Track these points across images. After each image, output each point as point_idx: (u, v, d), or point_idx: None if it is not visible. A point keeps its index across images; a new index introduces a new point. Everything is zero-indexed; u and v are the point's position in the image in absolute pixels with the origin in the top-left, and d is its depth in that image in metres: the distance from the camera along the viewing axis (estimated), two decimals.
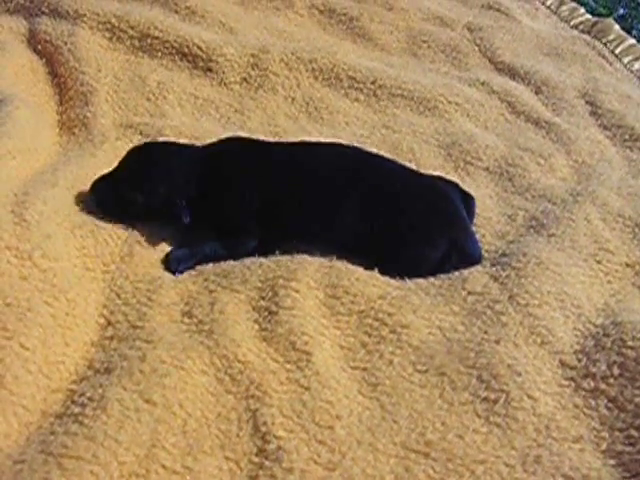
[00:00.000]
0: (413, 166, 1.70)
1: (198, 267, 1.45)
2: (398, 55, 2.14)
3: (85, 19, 1.93)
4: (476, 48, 2.17)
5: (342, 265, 1.42)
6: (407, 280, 1.42)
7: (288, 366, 1.25)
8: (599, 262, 1.50)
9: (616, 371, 1.26)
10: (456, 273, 1.44)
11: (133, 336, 1.27)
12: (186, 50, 1.91)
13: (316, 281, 1.38)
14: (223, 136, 1.59)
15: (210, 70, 1.94)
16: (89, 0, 1.98)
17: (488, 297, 1.39)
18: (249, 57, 1.94)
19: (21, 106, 1.62)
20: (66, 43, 1.86)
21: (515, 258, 1.46)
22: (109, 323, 1.31)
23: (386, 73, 1.93)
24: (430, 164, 1.71)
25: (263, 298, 1.35)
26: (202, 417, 1.17)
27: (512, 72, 2.10)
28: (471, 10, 2.38)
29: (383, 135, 1.78)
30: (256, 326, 1.31)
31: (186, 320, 1.32)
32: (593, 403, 1.24)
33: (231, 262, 1.44)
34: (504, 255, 1.49)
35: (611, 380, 1.25)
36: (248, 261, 1.43)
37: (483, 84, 2.00)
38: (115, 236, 1.45)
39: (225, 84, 1.92)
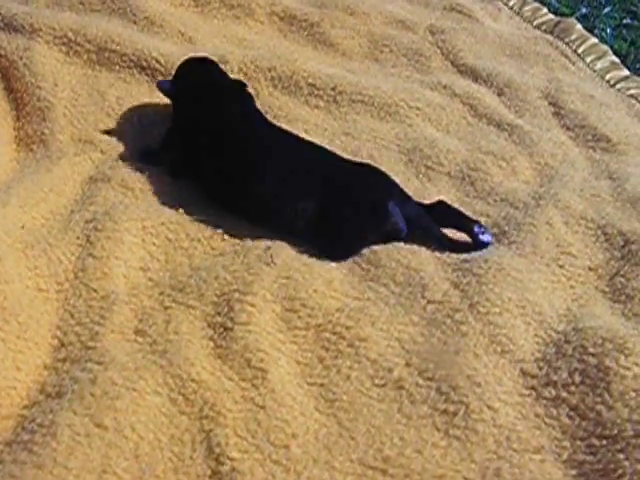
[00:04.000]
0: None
1: (154, 278, 1.42)
2: (360, 60, 2.11)
3: (41, 33, 1.88)
4: (438, 51, 2.14)
5: (300, 275, 1.39)
6: (367, 289, 1.41)
7: (243, 384, 1.23)
8: (561, 267, 1.48)
9: (577, 378, 1.24)
10: (417, 278, 1.42)
11: (85, 357, 1.24)
12: (144, 63, 1.87)
13: (272, 294, 1.36)
14: None
15: None
16: (45, 14, 1.94)
17: (448, 305, 1.37)
18: None
19: None
20: (21, 58, 1.81)
21: (476, 264, 1.44)
22: (62, 345, 1.29)
23: (346, 79, 1.90)
24: (390, 170, 1.68)
25: (219, 314, 1.33)
26: (155, 440, 1.14)
27: (474, 74, 2.07)
28: (433, 12, 2.35)
29: (343, 142, 1.76)
30: (211, 343, 1.29)
31: (139, 339, 1.29)
32: (554, 412, 1.22)
33: (187, 272, 1.42)
34: (465, 261, 1.46)
35: (572, 388, 1.23)
36: (204, 273, 1.40)
37: (445, 87, 1.97)
38: (68, 252, 1.41)
39: None
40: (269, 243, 1.48)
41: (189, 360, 1.24)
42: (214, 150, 1.60)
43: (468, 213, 1.60)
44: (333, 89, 1.88)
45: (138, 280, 1.41)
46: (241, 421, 1.17)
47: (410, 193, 1.63)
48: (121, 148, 1.70)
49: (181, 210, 1.55)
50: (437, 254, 1.50)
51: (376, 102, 1.88)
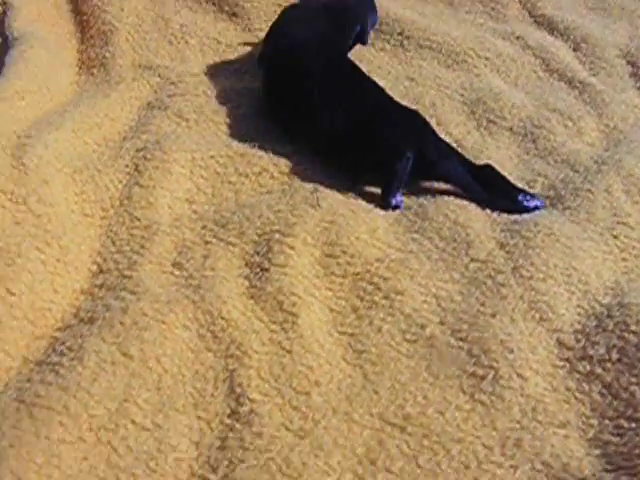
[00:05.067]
0: (433, 122, 1.64)
1: (199, 211, 1.43)
2: (433, 4, 2.03)
3: None
4: None
5: (344, 221, 1.37)
6: (410, 241, 1.38)
7: (272, 327, 1.23)
8: (616, 237, 1.42)
9: (615, 356, 1.19)
10: (463, 235, 1.38)
11: (120, 286, 1.26)
12: None
13: (314, 237, 1.35)
14: None
15: (235, 15, 1.89)
16: None
17: (491, 266, 1.33)
18: (276, 4, 1.89)
19: (36, 45, 1.60)
20: None
21: (525, 226, 1.39)
22: (101, 271, 1.31)
23: (415, 24, 1.85)
24: (451, 120, 1.64)
25: (257, 253, 1.33)
26: (179, 374, 1.16)
27: (551, 26, 1.97)
28: None
29: (406, 87, 1.71)
30: (246, 282, 1.29)
31: (176, 272, 1.30)
32: (586, 388, 1.18)
33: (232, 208, 1.42)
34: (515, 222, 1.42)
35: (608, 365, 1.19)
36: (248, 210, 1.40)
37: (518, 38, 1.89)
38: (116, 180, 1.43)
39: (250, 30, 1.87)
40: (317, 186, 1.47)
41: (221, 298, 1.25)
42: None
43: (527, 172, 1.55)
44: (400, 33, 1.83)
45: (182, 212, 1.42)
46: (266, 363, 1.17)
47: (469, 146, 1.59)
48: (181, 75, 1.69)
49: (233, 144, 1.54)
50: (487, 212, 1.46)
51: (444, 49, 1.82)
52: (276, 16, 1.82)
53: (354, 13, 1.84)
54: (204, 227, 1.39)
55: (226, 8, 1.86)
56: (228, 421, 1.11)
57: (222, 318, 1.22)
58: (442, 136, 1.59)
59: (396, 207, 1.46)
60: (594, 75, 1.83)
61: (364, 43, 1.86)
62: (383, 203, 1.46)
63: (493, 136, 1.63)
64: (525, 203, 1.47)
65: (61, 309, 1.25)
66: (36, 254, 1.26)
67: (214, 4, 1.86)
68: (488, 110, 1.68)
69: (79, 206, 1.38)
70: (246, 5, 1.89)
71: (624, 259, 1.39)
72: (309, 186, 1.46)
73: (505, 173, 1.54)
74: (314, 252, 1.33)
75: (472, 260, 1.34)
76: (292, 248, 1.32)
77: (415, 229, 1.41)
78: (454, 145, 1.58)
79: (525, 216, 1.44)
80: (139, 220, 1.38)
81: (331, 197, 1.43)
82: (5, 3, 1.77)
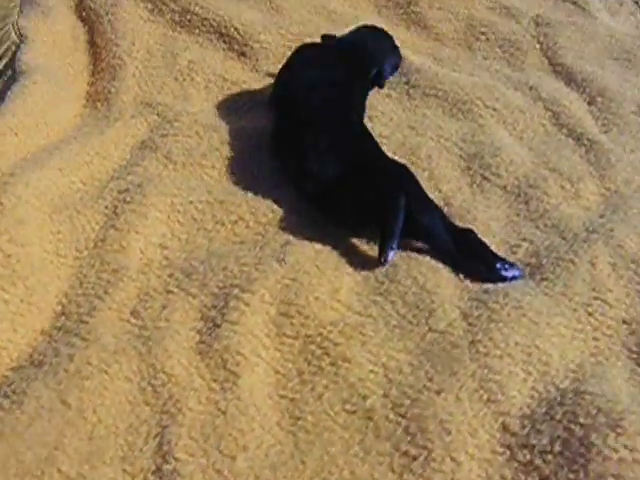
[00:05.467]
0: (425, 175, 1.61)
1: (170, 257, 1.44)
2: (451, 47, 1.99)
3: None
4: (537, 45, 1.97)
5: (307, 279, 1.36)
6: (372, 305, 1.36)
7: (213, 385, 1.23)
8: (590, 314, 1.35)
9: (557, 448, 1.14)
10: (427, 301, 1.35)
11: (75, 331, 1.30)
12: (223, 30, 1.89)
13: (272, 295, 1.34)
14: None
15: (244, 55, 1.90)
16: None
17: (449, 338, 1.30)
18: (285, 47, 1.89)
19: (40, 79, 1.66)
20: (107, 13, 1.88)
21: (494, 297, 1.35)
22: (63, 313, 1.35)
23: (424, 71, 1.81)
24: (444, 175, 1.60)
25: (214, 307, 1.33)
26: (112, 425, 1.18)
27: (569, 77, 1.89)
28: (544, 1, 2.15)
29: (405, 136, 1.68)
30: (197, 337, 1.30)
31: (132, 320, 1.32)
32: (522, 479, 1.14)
33: (202, 257, 1.43)
34: (485, 292, 1.38)
35: (549, 457, 1.13)
36: (215, 260, 1.41)
37: (531, 89, 1.82)
38: (94, 221, 1.47)
39: (257, 70, 1.88)
40: (291, 238, 1.47)
41: (168, 351, 1.26)
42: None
43: (513, 235, 1.50)
44: (407, 82, 1.81)
45: (154, 257, 1.44)
46: (198, 422, 1.18)
47: (457, 204, 1.56)
48: (178, 114, 1.72)
49: (215, 189, 1.55)
50: (460, 277, 1.42)
51: (450, 97, 1.78)
52: (285, 58, 1.82)
53: (371, 55, 1.82)
54: (171, 275, 1.41)
55: (236, 47, 1.88)
56: (151, 478, 1.13)
57: (164, 372, 1.24)
58: (431, 192, 1.57)
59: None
60: (606, 132, 1.75)
61: (381, 87, 1.84)
62: (380, 258, 1.42)
63: (485, 194, 1.59)
64: (503, 272, 1.42)
65: (18, 349, 1.29)
66: (0, 294, 1.31)
67: (225, 42, 1.88)
68: (484, 166, 1.63)
69: (54, 246, 1.42)
70: (255, 45, 1.89)
71: (595, 339, 1.33)
72: (282, 238, 1.46)
73: (489, 236, 1.50)
74: (269, 310, 1.33)
75: (430, 330, 1.31)
76: (247, 305, 1.32)
77: (380, 291, 1.38)
78: (441, 203, 1.55)
79: (498, 285, 1.39)
80: (109, 264, 1.41)
81: (300, 252, 1.42)
82: (21, 35, 1.84)
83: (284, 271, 1.38)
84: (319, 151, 1.54)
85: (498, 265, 1.43)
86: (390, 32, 1.97)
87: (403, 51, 1.88)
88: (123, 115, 1.70)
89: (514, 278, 1.42)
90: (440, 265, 1.43)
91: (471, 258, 1.45)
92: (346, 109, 1.66)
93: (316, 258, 1.43)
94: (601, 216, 1.54)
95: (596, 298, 1.37)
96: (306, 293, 1.35)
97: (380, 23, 1.99)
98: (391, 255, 1.42)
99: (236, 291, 1.34)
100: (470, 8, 2.08)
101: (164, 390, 1.22)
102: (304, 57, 1.79)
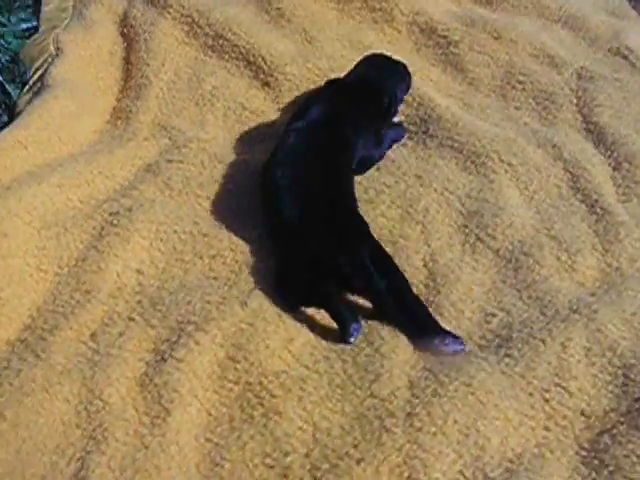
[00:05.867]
0: (418, 230, 1.57)
1: (144, 283, 1.47)
2: (485, 93, 1.90)
3: (171, 10, 1.97)
4: (574, 100, 1.85)
5: (263, 325, 1.37)
6: (322, 360, 1.34)
7: (144, 418, 1.26)
8: (546, 401, 1.27)
9: None
10: (377, 364, 1.32)
11: (32, 346, 1.36)
12: (252, 59, 1.90)
13: (225, 337, 1.35)
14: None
15: (267, 85, 1.90)
16: None
17: (387, 406, 1.26)
18: (310, 81, 1.88)
19: (61, 95, 1.73)
20: (145, 31, 1.93)
21: (446, 370, 1.30)
22: (29, 327, 1.40)
23: (444, 122, 1.76)
24: (437, 231, 1.55)
25: (167, 341, 1.36)
26: (41, 443, 1.23)
27: (600, 137, 1.77)
28: (593, 52, 2.01)
29: (408, 186, 1.63)
30: (143, 369, 1.33)
31: (89, 343, 1.37)
32: None
33: (172, 288, 1.46)
34: (440, 363, 1.33)
35: None
36: (182, 294, 1.43)
37: (554, 146, 1.72)
38: (79, 240, 1.52)
39: (278, 102, 1.87)
40: (261, 280, 1.47)
41: (110, 379, 1.30)
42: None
43: (490, 303, 1.44)
44: (425, 132, 1.76)
45: (128, 282, 1.48)
46: (120, 454, 1.21)
47: (442, 262, 1.51)
48: (189, 140, 1.75)
49: (203, 221, 1.57)
50: None
51: (466, 149, 1.71)
52: (307, 91, 1.82)
53: (384, 88, 1.80)
54: (138, 302, 1.44)
55: (261, 76, 1.88)
56: None
57: (101, 399, 1.28)
58: (419, 247, 1.53)
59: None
60: (624, 202, 1.63)
61: (394, 115, 1.82)
62: (344, 337, 1.38)
63: (474, 256, 1.52)
64: (441, 347, 1.36)
65: None
66: None
67: (251, 70, 1.88)
68: (481, 225, 1.56)
69: (37, 260, 1.48)
70: (280, 77, 1.89)
71: (546, 428, 1.25)
72: (252, 280, 1.47)
73: (468, 300, 1.45)
74: (218, 352, 1.34)
75: (371, 395, 1.28)
76: (197, 344, 1.34)
77: (335, 348, 1.36)
78: (427, 259, 1.52)
79: (456, 357, 1.34)
80: (83, 284, 1.46)
81: (266, 297, 1.42)
82: (59, 48, 1.91)
83: (244, 314, 1.39)
84: (292, 190, 1.52)
85: (437, 339, 1.38)
86: (425, 72, 1.94)
87: (433, 93, 1.84)
88: (137, 136, 1.75)
89: (455, 352, 1.37)
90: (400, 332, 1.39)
91: (416, 326, 1.40)
92: (328, 149, 1.62)
93: (279, 307, 1.42)
94: (592, 294, 1.45)
95: (557, 384, 1.30)
96: (258, 340, 1.35)
97: (416, 62, 1.96)
98: (355, 333, 1.38)
99: (191, 328, 1.36)
100: (512, 54, 1.99)
101: (97, 416, 1.26)
102: (321, 92, 1.77)
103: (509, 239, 1.55)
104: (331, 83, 1.77)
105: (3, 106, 1.83)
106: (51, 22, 2.07)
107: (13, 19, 2.08)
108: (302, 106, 1.71)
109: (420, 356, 1.36)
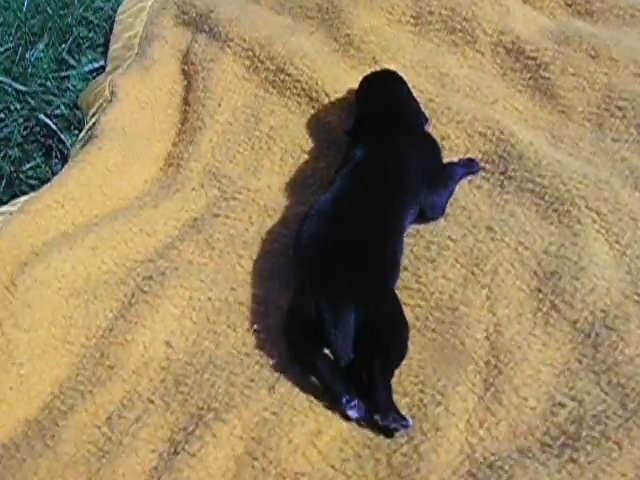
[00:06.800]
0: (483, 294, 1.34)
1: (172, 358, 1.34)
2: (578, 122, 1.61)
3: (231, 44, 1.82)
4: None
5: (289, 416, 1.21)
6: (353, 459, 1.16)
7: None
8: None
9: None
10: (413, 468, 1.13)
11: (43, 432, 1.26)
12: (314, 94, 1.72)
13: (246, 428, 1.20)
14: None
15: (329, 123, 1.71)
16: (243, 23, 1.87)
17: None
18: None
19: (106, 146, 1.62)
20: (204, 68, 1.79)
21: (494, 477, 1.08)
22: (47, 406, 1.31)
23: (525, 161, 1.52)
24: (505, 296, 1.32)
25: (184, 429, 1.23)
26: None
27: None
28: None
29: (477, 240, 1.40)
30: (155, 461, 1.20)
31: (103, 429, 1.26)
32: None
33: (201, 364, 1.32)
34: (490, 467, 1.11)
35: None
36: (208, 374, 1.29)
37: None
38: (108, 309, 1.42)
39: (337, 144, 1.64)
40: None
41: (116, 473, 1.18)
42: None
43: (561, 390, 1.19)
44: (503, 173, 1.52)
45: (155, 355, 1.36)
46: None
47: (508, 335, 1.29)
48: (238, 191, 1.61)
49: (241, 287, 1.42)
50: (470, 441, 1.16)
51: (548, 194, 1.45)
52: None
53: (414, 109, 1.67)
54: (162, 381, 1.32)
55: (322, 113, 1.69)
56: None
57: None
58: (483, 316, 1.31)
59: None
60: None
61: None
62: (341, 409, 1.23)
63: (546, 328, 1.27)
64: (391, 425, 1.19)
65: None
66: None
67: (313, 107, 1.70)
68: (558, 290, 1.31)
69: (64, 331, 1.39)
70: (342, 115, 1.68)
71: None
72: (284, 358, 1.30)
73: (534, 385, 1.21)
74: (236, 447, 1.19)
75: None
76: (214, 436, 1.20)
77: (368, 444, 1.18)
78: (490, 330, 1.29)
79: (510, 459, 1.11)
80: (108, 358, 1.35)
81: (297, 381, 1.27)
82: (113, 92, 1.80)
83: (270, 401, 1.24)
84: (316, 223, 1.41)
85: (382, 422, 1.19)
86: (509, 100, 1.68)
87: (515, 126, 1.59)
88: (185, 186, 1.62)
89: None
90: (452, 420, 1.18)
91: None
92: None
93: (312, 391, 1.26)
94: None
95: None
96: (282, 433, 1.19)
97: (501, 88, 1.70)
98: (353, 410, 1.22)
99: (210, 416, 1.22)
100: (610, 74, 1.68)
101: None
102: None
103: (590, 308, 1.29)
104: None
105: (59, 156, 1.77)
106: (115, 62, 1.98)
107: (84, 59, 2.02)
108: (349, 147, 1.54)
109: (467, 457, 1.15)
